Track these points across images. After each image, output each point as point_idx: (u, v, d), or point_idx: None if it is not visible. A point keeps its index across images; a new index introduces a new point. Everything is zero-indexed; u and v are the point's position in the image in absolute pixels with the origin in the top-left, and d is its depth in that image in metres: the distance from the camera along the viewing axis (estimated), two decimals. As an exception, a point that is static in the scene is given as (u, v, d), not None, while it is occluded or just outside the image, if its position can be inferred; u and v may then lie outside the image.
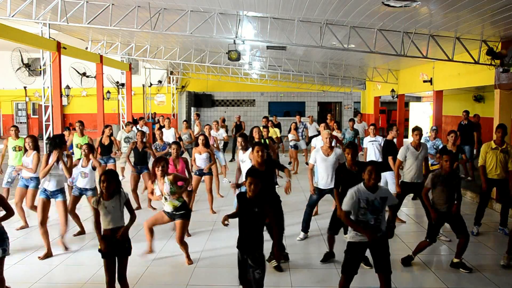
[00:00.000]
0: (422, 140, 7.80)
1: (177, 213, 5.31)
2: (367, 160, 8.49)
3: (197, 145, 8.00)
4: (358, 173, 4.90)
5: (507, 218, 6.69)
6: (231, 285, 4.87)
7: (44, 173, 5.68)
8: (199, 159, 7.79)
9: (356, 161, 5.29)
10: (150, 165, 8.23)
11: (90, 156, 6.43)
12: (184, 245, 5.44)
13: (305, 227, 6.41)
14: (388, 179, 7.56)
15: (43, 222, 5.69)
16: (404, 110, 17.90)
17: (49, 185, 5.78)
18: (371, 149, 8.35)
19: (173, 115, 23.36)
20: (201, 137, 7.88)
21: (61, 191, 5.89)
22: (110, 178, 4.06)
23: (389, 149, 7.53)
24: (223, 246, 6.02)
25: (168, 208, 5.32)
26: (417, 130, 6.60)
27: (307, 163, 12.90)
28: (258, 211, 3.91)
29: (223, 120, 14.85)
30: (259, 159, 5.12)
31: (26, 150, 6.68)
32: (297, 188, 10.26)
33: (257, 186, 3.92)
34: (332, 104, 27.65)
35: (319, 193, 6.17)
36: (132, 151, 8.29)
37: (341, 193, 5.52)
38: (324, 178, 6.04)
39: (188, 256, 5.49)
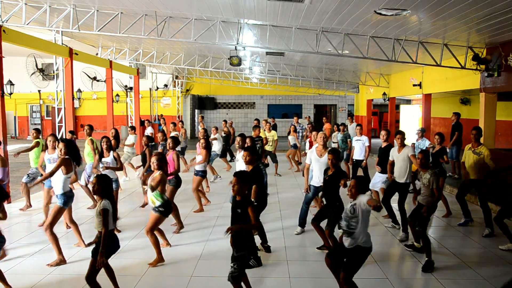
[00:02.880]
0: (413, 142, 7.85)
1: (156, 209, 5.22)
2: (354, 157, 8.88)
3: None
4: (334, 174, 5.29)
5: (491, 221, 6.33)
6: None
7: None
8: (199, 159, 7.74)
9: (338, 168, 5.40)
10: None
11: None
12: (152, 238, 5.16)
13: (302, 222, 6.42)
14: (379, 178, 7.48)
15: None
16: (395, 112, 17.92)
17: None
18: (357, 147, 8.92)
19: (178, 117, 23.34)
20: (201, 141, 7.83)
21: (62, 195, 5.28)
22: (98, 181, 4.02)
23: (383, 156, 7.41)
24: (226, 240, 6.01)
25: (149, 201, 5.28)
26: (399, 134, 6.56)
27: (300, 162, 12.98)
28: (240, 212, 3.88)
29: (231, 124, 14.68)
30: (244, 161, 5.37)
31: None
32: (294, 184, 10.28)
33: (239, 187, 3.88)
34: (327, 106, 27.66)
35: (314, 190, 6.18)
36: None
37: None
38: (318, 177, 6.04)
39: (159, 253, 5.16)
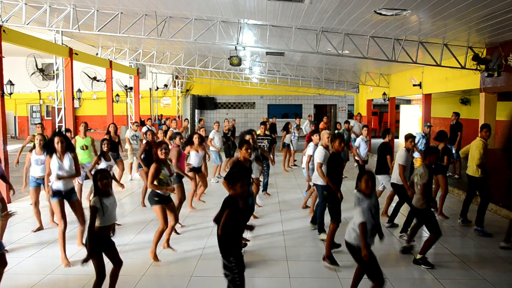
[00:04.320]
0: (419, 137, 8.32)
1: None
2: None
3: (192, 143, 7.73)
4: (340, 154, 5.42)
5: (466, 212, 6.77)
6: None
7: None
8: (196, 156, 7.68)
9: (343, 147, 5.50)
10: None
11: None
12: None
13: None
14: (383, 181, 7.43)
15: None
16: (395, 112, 17.90)
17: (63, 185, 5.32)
18: (363, 147, 9.13)
19: (178, 117, 23.36)
20: (195, 136, 7.77)
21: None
22: (108, 176, 4.02)
23: (384, 151, 7.36)
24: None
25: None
26: (411, 138, 6.49)
27: (295, 165, 12.97)
28: (245, 211, 3.89)
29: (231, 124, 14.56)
30: (246, 155, 5.34)
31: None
32: (294, 185, 10.28)
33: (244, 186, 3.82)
34: (327, 106, 27.65)
35: (321, 189, 6.19)
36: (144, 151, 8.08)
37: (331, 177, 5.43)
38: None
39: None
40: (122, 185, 6.15)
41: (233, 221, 3.73)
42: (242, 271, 3.79)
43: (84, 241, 5.73)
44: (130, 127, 11.41)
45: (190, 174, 7.44)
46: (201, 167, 7.88)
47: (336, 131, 11.59)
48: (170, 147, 6.75)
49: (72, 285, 4.69)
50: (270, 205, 8.19)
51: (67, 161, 5.24)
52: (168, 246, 5.65)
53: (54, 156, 5.18)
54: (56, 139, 5.18)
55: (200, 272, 4.95)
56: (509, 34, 7.79)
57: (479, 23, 7.07)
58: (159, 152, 5.22)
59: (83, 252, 5.52)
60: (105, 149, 6.67)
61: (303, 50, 9.66)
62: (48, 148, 5.24)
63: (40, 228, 6.60)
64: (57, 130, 7.37)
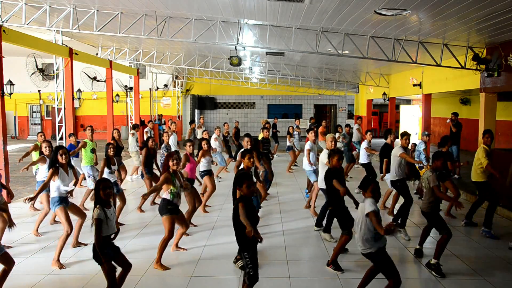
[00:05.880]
0: (423, 146, 8.40)
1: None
2: (362, 161, 9.02)
3: (201, 149, 7.70)
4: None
5: (471, 214, 6.84)
6: (232, 276, 4.88)
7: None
8: (203, 162, 7.64)
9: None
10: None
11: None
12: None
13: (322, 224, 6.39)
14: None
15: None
16: (395, 112, 17.92)
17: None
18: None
19: (178, 117, 23.35)
20: (204, 142, 7.76)
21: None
22: (111, 186, 4.01)
23: (385, 152, 7.37)
24: (224, 242, 6.01)
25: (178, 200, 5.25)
26: (407, 135, 6.85)
27: (295, 164, 12.97)
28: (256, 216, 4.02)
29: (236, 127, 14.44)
30: (249, 165, 5.35)
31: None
32: (295, 186, 10.27)
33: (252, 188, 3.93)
34: (327, 106, 27.66)
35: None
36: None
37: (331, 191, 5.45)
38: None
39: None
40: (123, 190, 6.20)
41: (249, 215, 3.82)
42: (256, 267, 3.86)
43: (80, 241, 5.81)
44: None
45: (205, 178, 7.49)
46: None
47: (337, 134, 11.62)
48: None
49: (72, 285, 4.68)
50: (270, 205, 8.19)
51: (70, 171, 5.47)
52: (177, 248, 5.67)
53: (60, 169, 5.31)
54: (60, 151, 5.33)
55: (200, 272, 4.95)
56: (509, 34, 7.79)
57: (479, 23, 7.07)
58: (170, 163, 5.19)
59: (80, 254, 5.54)
60: (111, 153, 6.68)
61: (303, 50, 9.66)
62: (54, 163, 5.31)
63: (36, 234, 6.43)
64: (58, 144, 7.48)
